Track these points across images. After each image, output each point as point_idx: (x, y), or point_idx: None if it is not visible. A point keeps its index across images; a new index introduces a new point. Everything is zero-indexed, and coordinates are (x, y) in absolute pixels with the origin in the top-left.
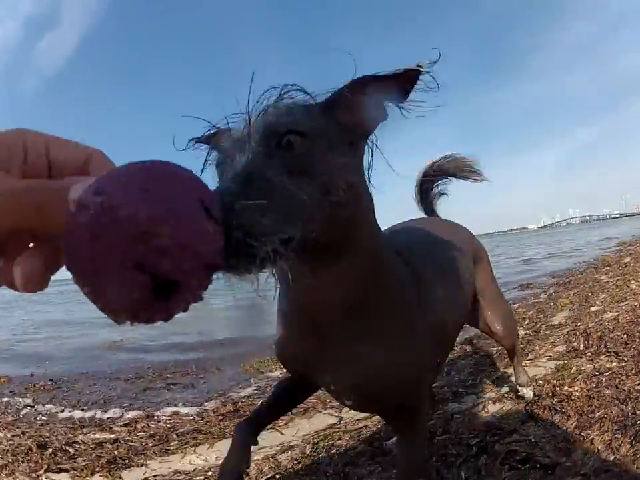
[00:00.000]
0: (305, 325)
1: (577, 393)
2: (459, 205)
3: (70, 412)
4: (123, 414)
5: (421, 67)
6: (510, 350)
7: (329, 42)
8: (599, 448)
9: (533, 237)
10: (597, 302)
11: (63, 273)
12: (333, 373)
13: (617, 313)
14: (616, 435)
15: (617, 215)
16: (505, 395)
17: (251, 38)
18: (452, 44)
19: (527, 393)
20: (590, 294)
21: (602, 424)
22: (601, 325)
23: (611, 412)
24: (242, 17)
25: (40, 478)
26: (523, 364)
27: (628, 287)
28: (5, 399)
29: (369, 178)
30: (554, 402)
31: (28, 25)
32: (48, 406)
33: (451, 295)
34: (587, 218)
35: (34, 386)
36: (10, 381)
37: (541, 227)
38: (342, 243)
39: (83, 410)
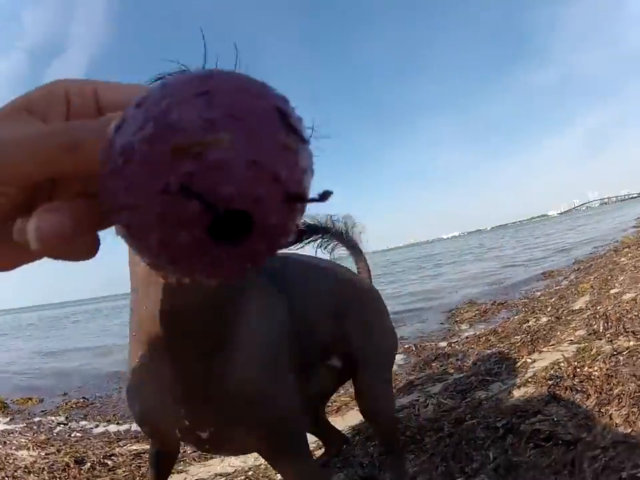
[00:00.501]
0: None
1: (596, 373)
2: (473, 195)
3: (105, 427)
4: None
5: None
6: (385, 443)
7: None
8: (617, 422)
9: (554, 225)
10: (616, 284)
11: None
12: (189, 418)
13: (635, 294)
14: (632, 409)
15: (636, 195)
16: (529, 380)
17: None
18: (464, 34)
19: None
20: (610, 277)
21: (620, 400)
22: (619, 306)
23: (629, 388)
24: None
25: None
26: (546, 349)
27: None
28: (37, 419)
29: None
30: (574, 382)
31: (33, 54)
32: (82, 423)
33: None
34: (607, 200)
35: (66, 404)
36: (41, 401)
37: (561, 213)
38: None
39: (118, 424)
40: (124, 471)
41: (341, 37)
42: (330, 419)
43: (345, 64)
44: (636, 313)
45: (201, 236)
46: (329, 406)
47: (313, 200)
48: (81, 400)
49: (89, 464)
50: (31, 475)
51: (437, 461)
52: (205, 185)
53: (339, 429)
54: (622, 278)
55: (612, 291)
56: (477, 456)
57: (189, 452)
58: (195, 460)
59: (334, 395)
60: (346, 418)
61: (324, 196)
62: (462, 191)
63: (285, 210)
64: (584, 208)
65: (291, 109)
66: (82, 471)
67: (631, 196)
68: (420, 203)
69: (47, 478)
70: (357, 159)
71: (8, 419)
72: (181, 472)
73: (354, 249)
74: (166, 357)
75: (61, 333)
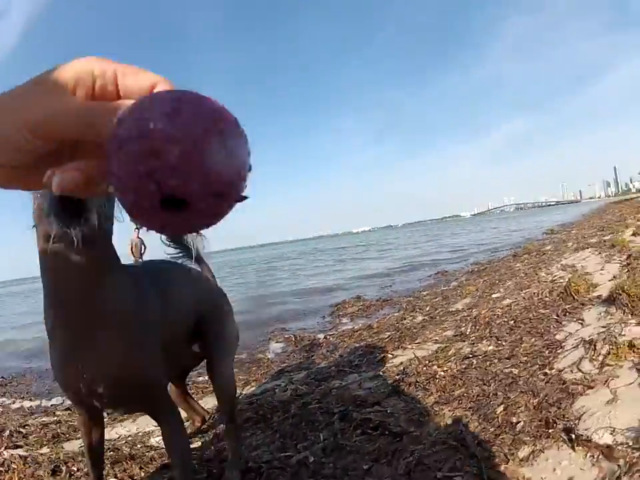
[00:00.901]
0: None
1: (442, 373)
2: (388, 191)
3: (20, 403)
4: (63, 401)
5: None
6: (222, 406)
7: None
8: (448, 423)
9: (465, 225)
10: (500, 289)
11: None
12: (85, 368)
13: (514, 300)
14: (466, 413)
15: (554, 203)
16: (381, 374)
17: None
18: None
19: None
20: (497, 281)
21: (459, 402)
22: (492, 311)
23: (472, 391)
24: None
25: (2, 454)
26: (410, 347)
27: (537, 274)
28: None
29: None
30: (418, 380)
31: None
32: (2, 399)
33: (170, 313)
34: (522, 206)
35: None
36: None
37: (475, 215)
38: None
39: (31, 400)
40: (34, 437)
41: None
42: (207, 399)
43: (272, 53)
44: (506, 319)
45: (155, 204)
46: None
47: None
48: (1, 379)
49: (8, 432)
50: None
51: (277, 437)
52: (161, 175)
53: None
54: (509, 283)
55: (493, 295)
56: (311, 436)
57: None
58: None
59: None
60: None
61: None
62: (375, 186)
63: (212, 201)
64: (498, 212)
65: (234, 130)
66: (3, 438)
67: (548, 203)
68: (332, 195)
69: None
70: (272, 144)
71: None
72: (78, 439)
73: (199, 262)
74: (60, 328)
75: None
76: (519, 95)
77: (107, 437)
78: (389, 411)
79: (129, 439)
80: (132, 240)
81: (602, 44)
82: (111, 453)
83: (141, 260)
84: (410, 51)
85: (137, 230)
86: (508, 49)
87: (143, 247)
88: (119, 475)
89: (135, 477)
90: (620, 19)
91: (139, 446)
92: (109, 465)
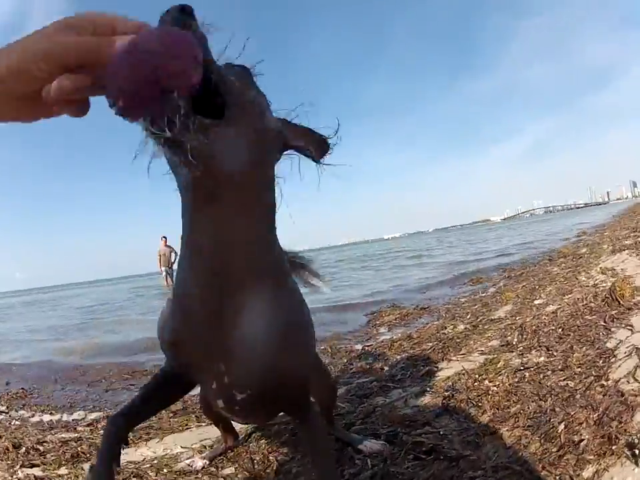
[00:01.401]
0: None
1: (495, 388)
2: (418, 197)
3: (40, 416)
4: (86, 415)
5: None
6: (324, 409)
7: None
8: (507, 443)
9: (495, 230)
10: (542, 295)
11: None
12: (228, 356)
13: (558, 307)
14: (526, 432)
15: (582, 205)
16: (427, 389)
17: None
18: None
19: (373, 445)
20: (537, 287)
21: (516, 419)
22: (538, 318)
23: (528, 408)
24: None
25: (17, 473)
26: (455, 358)
27: (577, 279)
28: None
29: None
30: (470, 396)
31: None
32: (21, 412)
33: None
34: (551, 209)
35: (7, 394)
36: None
37: (504, 219)
38: (251, 200)
39: (51, 414)
40: (52, 456)
41: (282, 32)
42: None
43: (285, 60)
44: (553, 327)
45: (156, 91)
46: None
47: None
48: (21, 390)
49: (25, 448)
50: None
51: None
52: (154, 75)
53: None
54: (549, 289)
55: (536, 302)
56: (358, 461)
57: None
58: None
59: None
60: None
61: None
62: (406, 192)
63: (187, 81)
64: (528, 215)
65: (200, 46)
66: (19, 454)
67: (577, 205)
68: (363, 203)
69: None
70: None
71: None
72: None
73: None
74: (196, 293)
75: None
76: (543, 97)
77: (130, 458)
78: (441, 433)
79: (155, 462)
80: (159, 250)
81: (623, 39)
82: (134, 479)
83: (167, 269)
84: (435, 54)
85: (163, 239)
86: (528, 50)
87: (173, 256)
88: None
89: None
90: None
91: (165, 470)
92: None
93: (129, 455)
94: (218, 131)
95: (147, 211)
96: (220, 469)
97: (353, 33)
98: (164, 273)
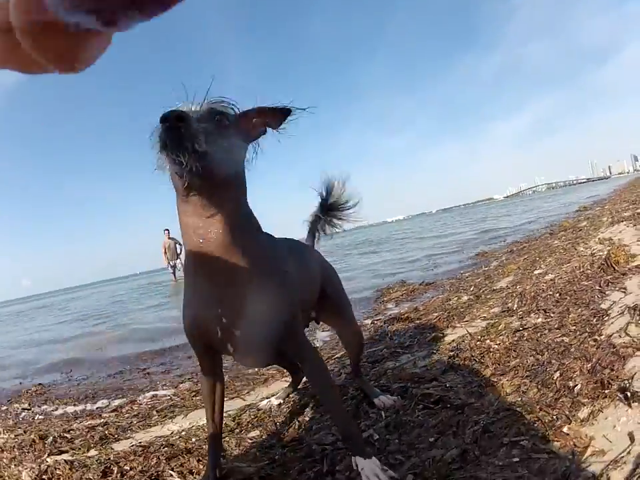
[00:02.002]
0: (199, 273)
1: (496, 346)
2: (420, 178)
3: (63, 409)
4: (109, 403)
5: (290, 110)
6: (351, 357)
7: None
8: (508, 392)
9: (498, 208)
10: (542, 265)
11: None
12: (226, 315)
13: (557, 275)
14: (524, 381)
15: (584, 180)
16: (434, 352)
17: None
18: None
19: (386, 401)
20: (538, 258)
21: (516, 372)
22: (537, 286)
23: (526, 361)
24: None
25: (45, 461)
26: (459, 325)
27: (575, 249)
28: (4, 407)
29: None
30: (473, 354)
31: None
32: (43, 407)
33: (301, 272)
34: (554, 185)
35: (27, 392)
36: (1, 391)
37: (507, 197)
38: (222, 190)
39: (74, 405)
40: (80, 441)
41: (290, 20)
42: (256, 389)
43: (298, 45)
44: (551, 292)
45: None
46: (257, 378)
47: None
48: (39, 386)
49: (51, 438)
50: (4, 452)
51: None
52: None
53: (264, 395)
54: (549, 259)
55: (535, 272)
56: (372, 414)
57: (135, 422)
58: (140, 428)
59: (263, 369)
60: (270, 387)
61: None
62: (407, 174)
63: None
64: (531, 192)
65: None
66: (45, 444)
67: (578, 181)
68: (363, 188)
69: (17, 453)
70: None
71: None
72: (128, 438)
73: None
74: (204, 281)
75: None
76: (543, 73)
77: (158, 434)
78: (447, 385)
79: (183, 433)
80: (164, 243)
81: (622, 14)
82: (165, 449)
83: (179, 262)
84: (433, 35)
85: (166, 231)
86: (528, 27)
87: (178, 248)
88: (175, 469)
89: (194, 471)
90: None
91: (193, 440)
92: (164, 461)
93: (156, 432)
94: (204, 159)
95: (143, 207)
96: (246, 432)
97: (354, 15)
98: (170, 268)
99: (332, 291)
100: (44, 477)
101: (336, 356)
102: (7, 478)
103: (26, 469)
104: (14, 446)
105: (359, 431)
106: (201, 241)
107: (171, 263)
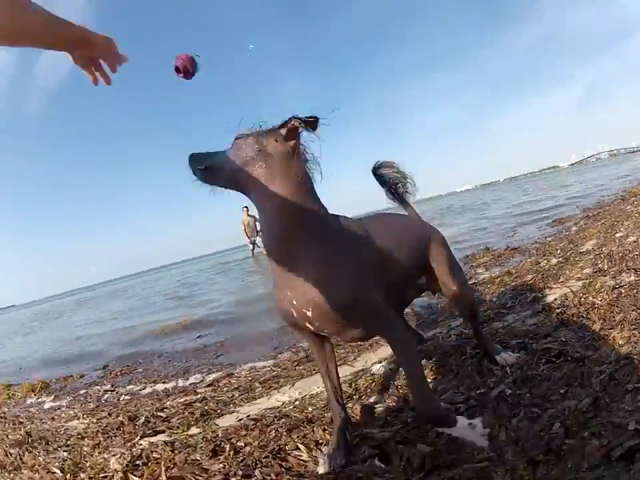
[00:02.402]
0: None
1: (599, 302)
2: (485, 148)
3: (152, 387)
4: (204, 378)
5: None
6: (469, 318)
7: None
8: (620, 343)
9: (565, 176)
10: (621, 229)
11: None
12: (296, 298)
13: (638, 237)
14: (633, 332)
15: None
16: (539, 310)
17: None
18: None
19: (508, 358)
20: (616, 223)
21: (622, 326)
22: (622, 247)
23: (630, 316)
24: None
25: (136, 445)
26: (556, 286)
27: None
28: (83, 391)
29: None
30: (580, 310)
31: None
32: (129, 387)
33: (391, 249)
34: (616, 152)
35: (110, 373)
36: (82, 376)
37: (572, 164)
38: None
39: (164, 383)
40: (178, 419)
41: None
42: (363, 355)
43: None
44: (637, 253)
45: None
46: (362, 344)
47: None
48: (125, 367)
49: (143, 418)
50: (85, 439)
51: (461, 378)
52: (180, 64)
53: (373, 361)
54: (627, 223)
55: (617, 235)
56: (497, 370)
57: (237, 395)
58: (244, 401)
59: None
60: (378, 352)
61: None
62: (473, 145)
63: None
64: (594, 160)
65: (189, 59)
66: (136, 426)
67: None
68: (429, 158)
69: (101, 439)
70: (370, 116)
71: (52, 396)
72: (232, 412)
73: (405, 206)
74: (275, 265)
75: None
76: (596, 39)
77: (266, 406)
78: (563, 340)
79: (297, 403)
80: (242, 220)
81: None
82: (282, 420)
83: (255, 239)
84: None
85: (245, 209)
86: None
87: (258, 225)
88: (297, 441)
89: (320, 441)
90: None
91: (310, 409)
92: (285, 433)
93: (263, 404)
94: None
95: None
96: (366, 397)
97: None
98: (250, 245)
99: (439, 258)
100: (138, 462)
101: (439, 319)
102: (89, 468)
103: (114, 455)
104: (97, 431)
105: (440, 411)
106: (266, 228)
107: (251, 239)
